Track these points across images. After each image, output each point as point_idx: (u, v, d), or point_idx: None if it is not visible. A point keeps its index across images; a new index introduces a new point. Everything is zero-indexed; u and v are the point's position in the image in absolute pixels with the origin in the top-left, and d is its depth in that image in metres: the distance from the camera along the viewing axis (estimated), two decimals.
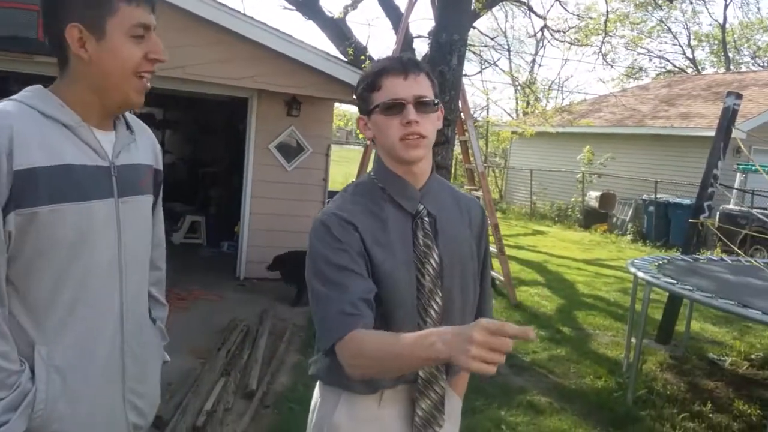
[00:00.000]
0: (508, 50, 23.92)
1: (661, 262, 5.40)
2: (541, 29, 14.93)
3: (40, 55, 5.99)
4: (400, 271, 1.56)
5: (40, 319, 1.38)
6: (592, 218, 15.79)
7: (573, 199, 17.11)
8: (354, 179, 8.61)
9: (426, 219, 1.61)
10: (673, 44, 37.09)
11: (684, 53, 30.66)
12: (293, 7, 13.13)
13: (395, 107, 1.54)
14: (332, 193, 9.59)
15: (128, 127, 1.58)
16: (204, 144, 10.77)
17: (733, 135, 6.11)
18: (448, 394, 1.68)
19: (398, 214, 1.60)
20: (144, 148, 1.61)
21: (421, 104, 1.55)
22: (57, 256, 1.37)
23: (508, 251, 8.50)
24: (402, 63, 1.57)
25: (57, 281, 1.38)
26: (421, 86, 1.56)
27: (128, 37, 1.41)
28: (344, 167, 16.60)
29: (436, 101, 1.59)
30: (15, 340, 1.35)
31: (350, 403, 1.61)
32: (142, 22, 1.42)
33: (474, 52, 17.10)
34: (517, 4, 15.61)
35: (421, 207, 1.61)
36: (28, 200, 1.31)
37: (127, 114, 1.59)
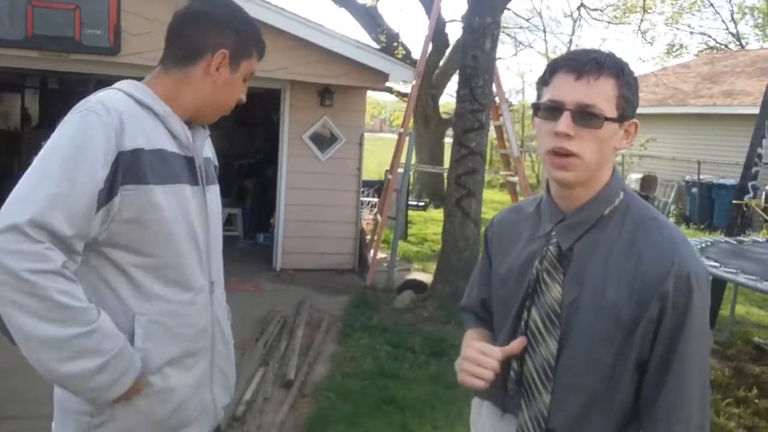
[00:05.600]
0: (544, 31, 23.49)
1: (704, 244, 5.26)
2: (578, 8, 14.64)
3: (76, 53, 6.12)
4: (507, 289, 1.47)
5: (138, 293, 1.47)
6: None
7: None
8: (388, 168, 8.56)
9: (552, 249, 1.38)
10: (715, 19, 35.98)
11: (726, 28, 29.77)
12: None
13: (552, 111, 1.30)
14: (366, 183, 9.60)
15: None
16: (239, 136, 10.87)
17: None
18: None
19: (535, 232, 1.45)
20: (208, 144, 1.75)
21: (583, 115, 1.27)
22: (156, 232, 1.47)
23: None
24: (578, 59, 1.30)
25: (156, 255, 1.48)
26: (594, 93, 1.27)
27: (242, 80, 1.63)
28: (379, 155, 16.56)
29: (611, 117, 1.28)
30: (114, 310, 1.43)
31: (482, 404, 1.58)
32: (254, 73, 1.65)
33: (509, 35, 16.92)
34: None
35: (553, 234, 1.39)
36: (133, 178, 1.42)
37: None
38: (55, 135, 1.41)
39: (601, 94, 1.28)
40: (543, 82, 1.35)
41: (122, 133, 1.41)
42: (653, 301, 1.27)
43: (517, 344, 1.38)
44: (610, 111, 1.29)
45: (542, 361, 1.36)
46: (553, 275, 1.37)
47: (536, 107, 1.36)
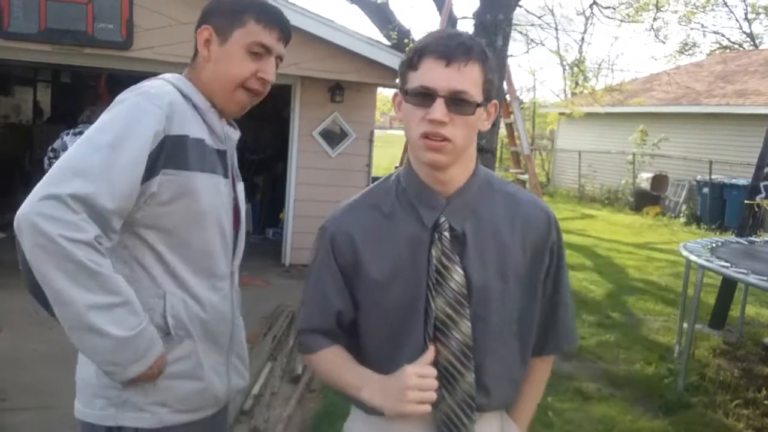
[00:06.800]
0: (556, 29, 23.42)
1: (714, 245, 5.23)
2: (591, 6, 14.54)
3: (89, 47, 6.15)
4: (400, 290, 1.38)
5: (170, 275, 1.52)
6: (644, 201, 15.41)
7: (623, 182, 16.72)
8: (398, 164, 8.59)
9: (446, 234, 1.37)
10: (729, 18, 35.70)
11: (740, 27, 29.53)
12: None
13: (424, 97, 1.29)
14: (376, 179, 9.59)
15: (230, 122, 1.74)
16: (249, 132, 10.89)
17: None
18: (506, 430, 1.50)
19: (414, 223, 1.39)
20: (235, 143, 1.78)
21: (456, 102, 1.28)
22: (190, 217, 1.52)
23: None
24: (447, 45, 1.29)
25: (188, 240, 1.53)
26: (464, 79, 1.28)
27: (246, 51, 1.56)
28: (388, 152, 16.57)
29: (480, 102, 1.31)
30: (147, 289, 1.50)
31: (363, 416, 1.48)
32: (263, 43, 1.57)
33: (520, 32, 16.80)
34: None
35: (443, 219, 1.37)
36: (175, 163, 1.46)
37: None
38: (107, 114, 1.46)
39: (471, 80, 1.29)
40: (410, 65, 1.33)
41: (171, 118, 1.46)
42: (546, 252, 1.45)
43: (430, 355, 1.34)
44: (479, 96, 1.31)
45: (458, 345, 1.37)
46: (452, 258, 1.37)
47: (405, 92, 1.34)
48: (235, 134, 1.71)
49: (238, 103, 1.61)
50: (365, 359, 1.44)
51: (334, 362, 1.45)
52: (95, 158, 1.36)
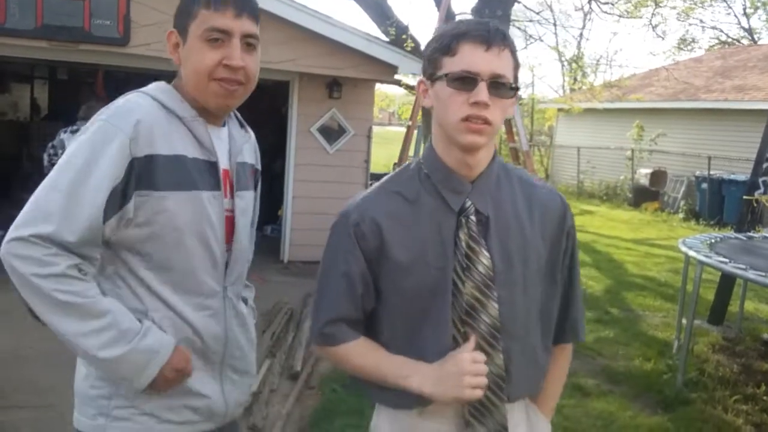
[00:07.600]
0: (554, 24, 23.35)
1: (713, 240, 5.22)
2: (589, 1, 14.52)
3: (85, 44, 6.13)
4: (424, 272, 1.39)
5: (152, 295, 1.50)
6: (643, 196, 15.40)
7: (622, 177, 16.71)
8: (396, 161, 8.59)
9: (473, 218, 1.39)
10: (728, 13, 35.69)
11: (739, 23, 29.51)
12: None
13: (466, 81, 1.32)
14: (374, 176, 9.59)
15: (242, 125, 1.72)
16: None
17: None
18: (532, 418, 1.53)
19: (440, 208, 1.40)
20: (248, 148, 1.73)
21: (496, 85, 1.32)
22: (166, 238, 1.48)
23: None
24: (487, 30, 1.33)
25: (166, 261, 1.49)
26: (503, 63, 1.33)
27: (203, 41, 1.48)
28: (386, 148, 16.55)
29: (513, 85, 1.36)
30: (130, 307, 1.48)
31: (388, 413, 1.49)
32: (216, 27, 1.47)
33: (519, 28, 16.78)
34: None
35: (469, 203, 1.40)
36: (146, 184, 1.44)
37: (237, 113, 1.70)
38: (72, 145, 1.45)
39: (507, 65, 1.35)
40: (447, 51, 1.35)
41: (137, 140, 1.42)
42: (563, 237, 1.49)
43: (473, 341, 1.38)
44: (512, 80, 1.36)
45: (487, 327, 1.39)
46: (479, 241, 1.39)
47: (441, 75, 1.36)
48: (244, 138, 1.67)
49: (215, 97, 1.51)
50: (383, 346, 1.45)
51: (368, 353, 1.45)
52: (57, 198, 1.40)
